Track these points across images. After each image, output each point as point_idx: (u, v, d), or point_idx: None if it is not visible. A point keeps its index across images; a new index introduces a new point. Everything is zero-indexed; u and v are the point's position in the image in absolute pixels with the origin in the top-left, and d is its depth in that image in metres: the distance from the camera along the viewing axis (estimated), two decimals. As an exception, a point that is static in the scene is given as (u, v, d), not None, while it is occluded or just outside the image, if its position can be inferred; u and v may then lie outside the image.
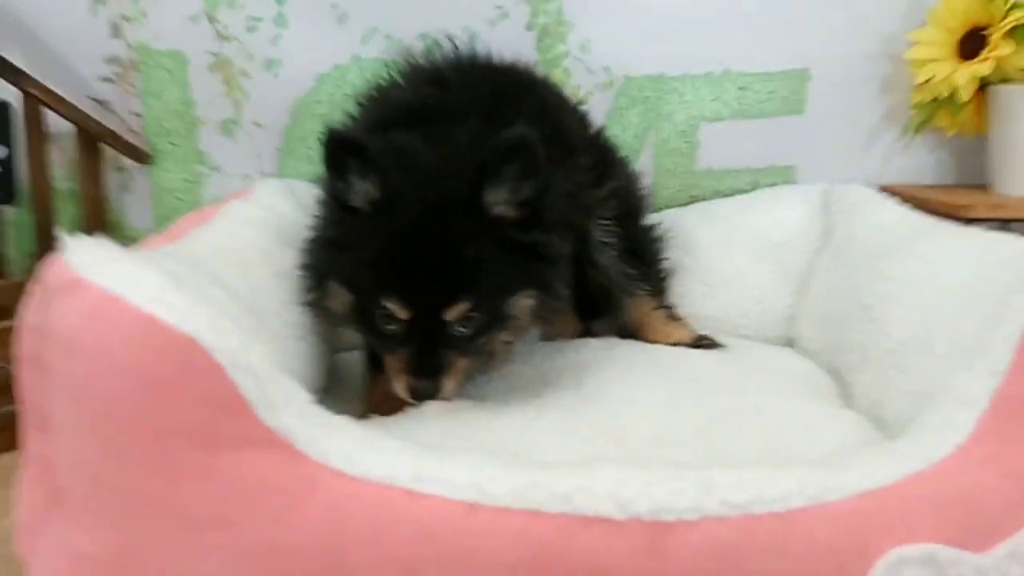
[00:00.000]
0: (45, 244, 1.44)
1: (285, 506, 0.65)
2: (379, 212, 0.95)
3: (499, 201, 0.95)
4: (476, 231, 0.95)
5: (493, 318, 0.99)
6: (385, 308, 0.95)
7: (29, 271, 1.54)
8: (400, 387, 0.98)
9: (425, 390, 0.97)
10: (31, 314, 0.73)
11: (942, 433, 0.75)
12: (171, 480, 0.64)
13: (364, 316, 0.99)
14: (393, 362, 0.99)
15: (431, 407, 1.03)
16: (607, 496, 0.67)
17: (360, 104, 1.20)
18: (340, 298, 1.01)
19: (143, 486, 0.64)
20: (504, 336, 1.03)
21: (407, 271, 0.94)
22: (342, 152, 0.94)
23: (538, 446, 0.91)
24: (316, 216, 1.07)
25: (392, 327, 0.97)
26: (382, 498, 0.66)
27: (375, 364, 1.14)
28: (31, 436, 0.76)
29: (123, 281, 0.64)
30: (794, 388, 1.17)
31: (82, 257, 0.67)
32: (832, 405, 1.12)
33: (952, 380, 0.81)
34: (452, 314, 0.95)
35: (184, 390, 0.63)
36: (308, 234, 1.08)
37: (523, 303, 1.00)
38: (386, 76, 1.23)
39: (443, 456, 0.70)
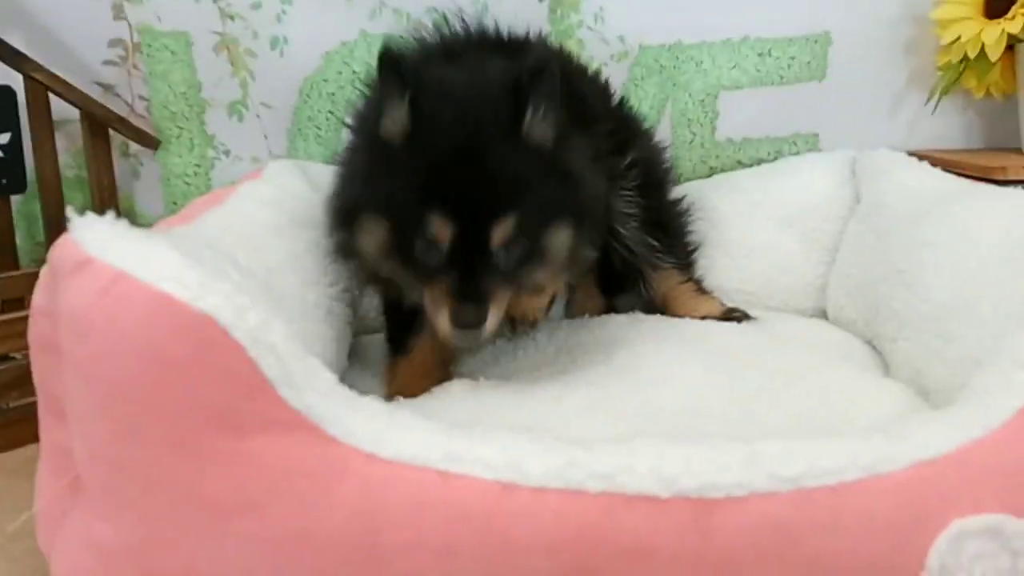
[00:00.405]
0: (55, 233, 1.40)
1: (314, 491, 0.62)
2: (418, 138, 0.93)
3: (536, 126, 0.93)
4: (517, 153, 0.93)
5: (533, 248, 0.95)
6: (427, 231, 0.91)
7: (40, 261, 1.52)
8: (442, 319, 0.92)
9: (469, 317, 0.91)
10: (40, 297, 0.71)
11: (1000, 396, 0.71)
12: (192, 465, 0.61)
13: (402, 248, 0.94)
14: (433, 294, 0.93)
15: (456, 388, 1.01)
16: (649, 474, 0.63)
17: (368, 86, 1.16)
18: (375, 232, 0.96)
19: (163, 472, 0.61)
20: (541, 273, 0.99)
21: (451, 189, 0.91)
22: (387, 73, 0.93)
23: (569, 424, 0.88)
24: (348, 150, 1.05)
25: (433, 255, 0.92)
26: (414, 480, 0.63)
27: (397, 346, 1.11)
28: (47, 424, 0.73)
29: (135, 258, 0.61)
30: (831, 358, 1.13)
31: (91, 236, 0.64)
32: (873, 375, 1.08)
33: (1005, 342, 0.77)
34: (498, 234, 0.91)
35: (202, 370, 0.60)
36: (338, 171, 1.05)
37: (561, 235, 0.97)
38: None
39: (476, 435, 0.66)
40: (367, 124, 0.99)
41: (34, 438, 0.76)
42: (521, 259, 0.95)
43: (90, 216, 0.67)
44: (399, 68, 0.92)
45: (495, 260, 0.92)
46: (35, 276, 0.72)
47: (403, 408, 0.73)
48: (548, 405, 0.93)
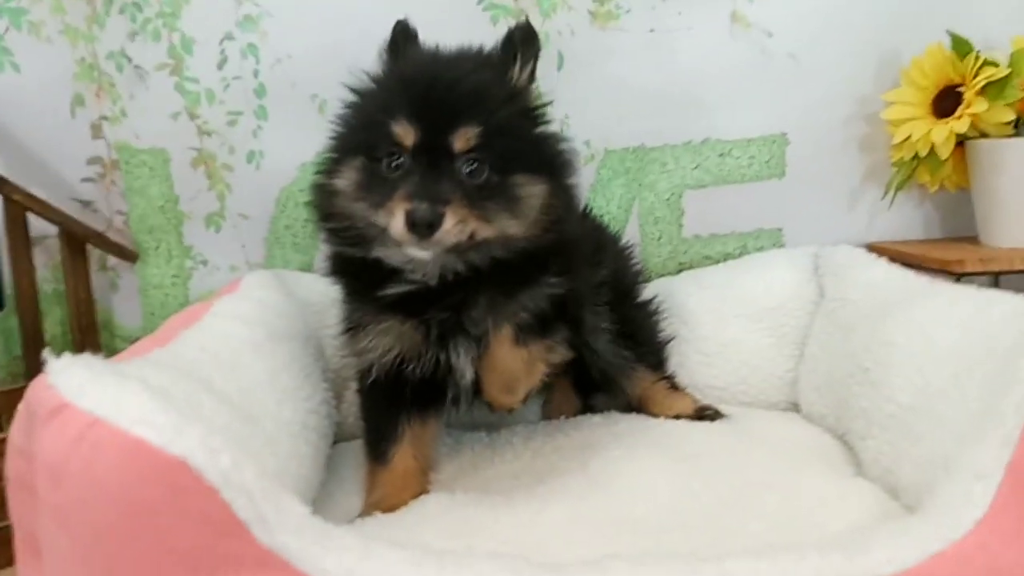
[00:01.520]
0: (32, 348, 1.42)
1: (287, 630, 0.63)
2: (392, 72, 1.04)
3: (523, 79, 1.03)
4: (498, 89, 0.99)
5: (502, 181, 0.97)
6: (391, 136, 0.95)
7: (16, 375, 1.52)
8: (396, 223, 0.92)
9: (424, 214, 0.90)
10: (17, 435, 0.71)
11: (960, 508, 0.73)
12: (167, 609, 0.61)
13: (372, 175, 0.98)
14: (393, 205, 0.93)
15: (433, 503, 1.01)
16: (621, 599, 0.64)
17: None
18: (349, 171, 1.00)
19: (138, 618, 0.61)
20: (508, 215, 0.98)
21: (417, 98, 0.96)
22: (403, 37, 1.06)
23: (547, 541, 0.89)
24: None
25: (399, 166, 0.96)
26: (387, 614, 0.64)
27: (377, 453, 1.11)
28: (24, 560, 0.73)
29: (108, 403, 0.63)
30: (803, 459, 1.15)
31: (67, 380, 0.66)
32: (843, 475, 1.10)
33: (965, 451, 0.80)
34: (460, 139, 0.94)
35: (176, 514, 0.61)
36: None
37: (533, 188, 0.99)
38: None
39: (447, 564, 0.67)
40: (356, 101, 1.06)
41: (9, 562, 0.76)
42: (488, 180, 0.96)
43: (66, 358, 0.69)
44: (399, 34, 1.05)
45: (457, 168, 0.95)
46: (12, 393, 0.73)
47: (377, 534, 0.74)
48: (525, 522, 0.94)
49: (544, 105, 1.06)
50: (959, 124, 1.44)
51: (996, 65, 1.42)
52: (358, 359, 1.10)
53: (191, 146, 1.53)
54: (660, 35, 1.56)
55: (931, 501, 0.77)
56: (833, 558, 0.68)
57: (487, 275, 1.00)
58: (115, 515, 0.60)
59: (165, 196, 1.55)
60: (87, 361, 0.69)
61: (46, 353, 0.70)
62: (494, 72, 1.01)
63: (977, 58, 1.43)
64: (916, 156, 1.51)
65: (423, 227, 0.91)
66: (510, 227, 0.98)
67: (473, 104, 0.96)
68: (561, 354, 1.12)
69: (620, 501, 0.98)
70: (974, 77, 1.43)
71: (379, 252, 1.01)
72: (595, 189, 1.62)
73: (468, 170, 0.95)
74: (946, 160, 1.49)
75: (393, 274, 1.02)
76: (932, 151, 1.47)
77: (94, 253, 1.55)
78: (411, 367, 1.06)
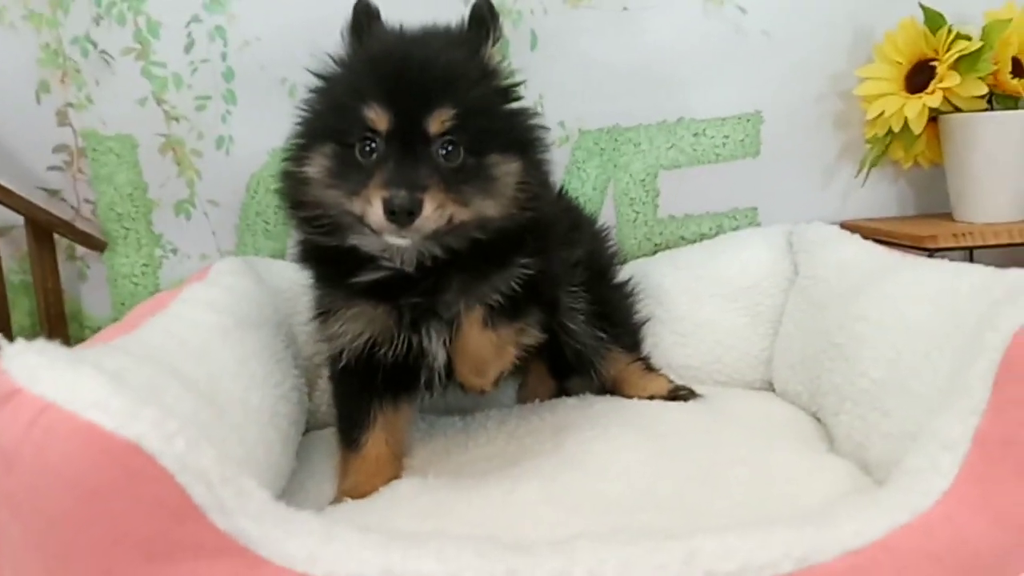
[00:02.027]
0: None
1: (248, 617, 0.62)
2: (361, 55, 1.00)
3: (494, 55, 1.01)
4: (470, 67, 0.98)
5: (478, 162, 0.96)
6: (365, 125, 0.92)
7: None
8: (374, 211, 0.90)
9: (403, 201, 0.88)
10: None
11: (927, 479, 0.73)
12: (123, 598, 0.60)
13: (345, 162, 0.95)
14: (369, 193, 0.91)
15: (405, 487, 1.00)
16: (587, 578, 0.64)
17: None
18: (320, 157, 0.97)
19: (94, 606, 0.60)
20: (485, 196, 0.96)
21: (389, 80, 0.93)
22: (365, 18, 1.02)
23: (518, 521, 0.88)
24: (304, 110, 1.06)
25: (373, 152, 0.93)
26: (351, 599, 0.63)
27: (349, 440, 1.10)
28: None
29: (62, 388, 0.61)
30: (776, 436, 1.15)
31: (20, 365, 0.64)
32: (816, 451, 1.10)
33: (933, 421, 0.79)
34: (435, 121, 0.92)
35: (131, 499, 0.60)
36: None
37: (508, 167, 0.98)
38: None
39: (412, 546, 0.66)
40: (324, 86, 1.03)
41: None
42: (464, 163, 0.94)
43: (19, 344, 0.67)
44: (361, 13, 1.01)
45: (433, 152, 0.93)
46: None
47: (342, 519, 0.73)
48: (497, 502, 0.93)
49: (517, 84, 1.04)
50: (932, 99, 1.44)
51: (969, 39, 1.43)
52: (329, 344, 1.09)
53: (159, 132, 1.51)
54: (633, 13, 1.55)
55: (899, 472, 0.77)
56: (804, 531, 0.68)
57: (462, 257, 0.99)
58: (69, 501, 0.59)
59: (133, 184, 1.53)
60: (41, 347, 0.67)
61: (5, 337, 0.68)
62: (465, 51, 1.00)
63: (950, 32, 1.43)
64: (890, 132, 1.51)
65: (403, 215, 0.89)
66: (487, 208, 0.97)
67: (447, 85, 0.94)
68: (533, 336, 1.11)
69: (592, 480, 0.97)
70: (947, 51, 1.42)
71: (354, 240, 0.99)
72: (570, 170, 1.60)
73: (443, 153, 0.94)
74: (919, 136, 1.49)
75: (367, 261, 1.00)
76: (906, 126, 1.47)
77: (61, 243, 1.53)
78: (383, 351, 1.05)
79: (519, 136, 1.01)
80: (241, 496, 0.64)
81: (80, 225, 1.52)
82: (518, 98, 1.04)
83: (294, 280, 1.31)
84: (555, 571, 0.64)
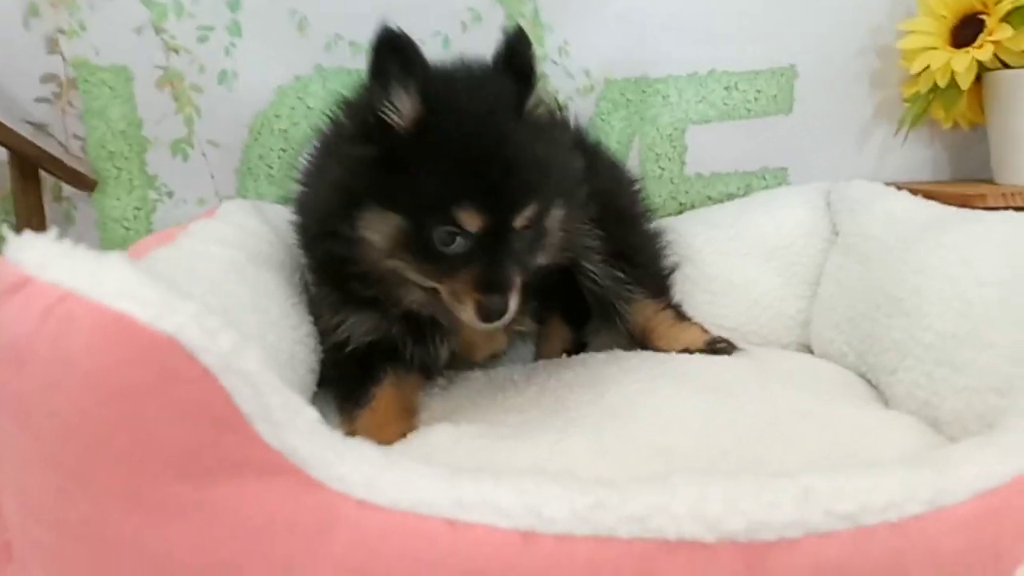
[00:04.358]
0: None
1: (298, 547, 0.52)
2: (429, 128, 0.89)
3: (536, 104, 0.96)
4: (526, 135, 0.93)
5: (539, 230, 0.96)
6: (457, 222, 0.88)
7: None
8: (467, 312, 0.91)
9: (497, 306, 0.90)
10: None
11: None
12: (152, 520, 0.50)
13: (418, 241, 0.90)
14: (455, 287, 0.91)
15: (438, 435, 0.91)
16: (691, 515, 0.55)
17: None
18: (384, 227, 0.91)
19: (116, 529, 0.50)
20: (543, 254, 1.00)
21: (478, 179, 0.88)
22: (391, 56, 0.88)
23: (576, 468, 0.79)
24: (325, 144, 1.01)
25: (456, 246, 0.90)
26: (418, 531, 0.53)
27: (356, 400, 1.02)
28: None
29: (83, 276, 0.51)
30: (831, 392, 1.07)
31: (31, 255, 0.54)
32: (876, 408, 1.02)
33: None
34: (520, 221, 0.91)
35: (165, 404, 0.50)
36: (311, 173, 1.03)
37: (557, 214, 0.99)
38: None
39: (486, 477, 0.57)
40: (361, 111, 0.93)
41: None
42: (533, 242, 0.95)
43: (28, 235, 0.57)
44: (404, 50, 0.88)
45: (514, 247, 0.92)
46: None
47: (398, 451, 0.64)
48: (544, 452, 0.84)
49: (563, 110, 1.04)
50: (981, 52, 1.37)
51: (1022, -9, 1.35)
52: (332, 333, 1.06)
53: (156, 64, 1.40)
54: (666, -42, 1.46)
55: (1015, 414, 0.69)
56: (923, 472, 0.60)
57: None
58: (89, 404, 0.49)
59: (127, 119, 1.42)
60: (53, 238, 0.57)
61: (3, 229, 0.58)
62: (543, 134, 0.97)
63: (1002, -17, 1.36)
64: (933, 89, 1.43)
65: (497, 319, 0.91)
66: (540, 263, 1.00)
67: (535, 185, 0.93)
68: (526, 325, 1.13)
69: (647, 430, 0.88)
70: (997, 3, 1.35)
71: (407, 301, 1.00)
72: (594, 122, 1.52)
73: (520, 243, 0.93)
74: (963, 94, 1.42)
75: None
76: (952, 82, 1.40)
77: (47, 183, 1.41)
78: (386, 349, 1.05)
79: (562, 179, 0.99)
80: (291, 409, 0.54)
81: (68, 162, 1.40)
82: (557, 135, 1.04)
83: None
84: (651, 505, 0.55)
